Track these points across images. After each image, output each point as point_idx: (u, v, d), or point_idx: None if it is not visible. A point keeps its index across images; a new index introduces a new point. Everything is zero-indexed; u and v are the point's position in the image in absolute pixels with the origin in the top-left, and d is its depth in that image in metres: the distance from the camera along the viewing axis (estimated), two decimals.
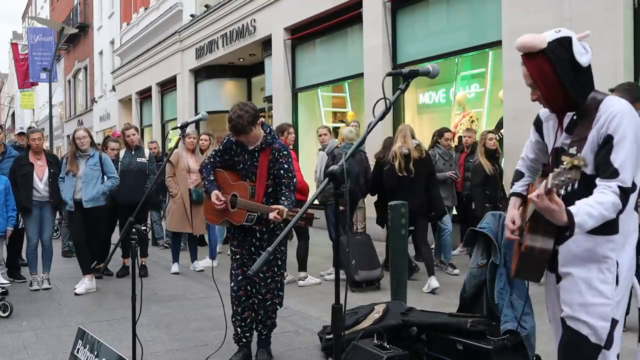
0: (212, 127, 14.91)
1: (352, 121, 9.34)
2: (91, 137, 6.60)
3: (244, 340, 4.10)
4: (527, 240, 2.24)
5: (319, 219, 4.06)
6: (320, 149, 7.28)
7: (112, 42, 26.76)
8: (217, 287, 4.04)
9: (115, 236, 7.95)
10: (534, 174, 2.64)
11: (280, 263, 4.11)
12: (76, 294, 6.26)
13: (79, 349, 3.38)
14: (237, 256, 4.07)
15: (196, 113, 15.89)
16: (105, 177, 6.57)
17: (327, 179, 2.14)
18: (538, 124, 2.54)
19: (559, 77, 2.19)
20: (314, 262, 7.18)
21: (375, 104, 2.28)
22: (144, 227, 3.52)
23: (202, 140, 8.07)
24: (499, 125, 8.35)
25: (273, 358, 4.12)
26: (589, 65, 2.27)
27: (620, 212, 2.14)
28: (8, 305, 5.40)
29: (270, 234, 3.99)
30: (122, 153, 7.49)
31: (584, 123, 2.21)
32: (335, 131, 10.12)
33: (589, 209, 2.06)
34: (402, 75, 2.24)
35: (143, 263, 7.38)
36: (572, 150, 2.19)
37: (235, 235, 4.08)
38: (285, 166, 3.93)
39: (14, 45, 29.98)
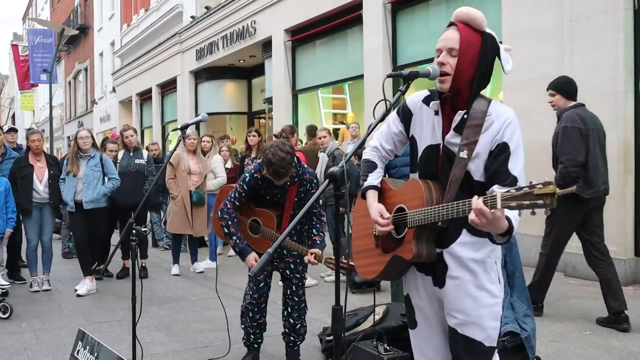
0: (213, 129, 14.93)
1: (352, 122, 9.34)
2: (93, 138, 6.60)
3: (256, 345, 4.05)
4: (413, 247, 2.16)
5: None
6: (320, 151, 7.28)
7: (113, 44, 26.78)
8: (218, 294, 4.03)
9: (115, 237, 7.97)
10: (384, 165, 2.52)
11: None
12: (78, 295, 6.27)
13: (79, 350, 3.37)
14: None
15: (196, 114, 15.90)
16: (106, 179, 6.57)
17: (327, 180, 2.14)
18: (406, 115, 2.37)
19: (479, 60, 2.14)
20: None
21: (375, 106, 2.28)
22: (145, 229, 3.49)
23: (204, 142, 8.07)
24: None
25: None
26: (490, 75, 2.21)
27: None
28: (8, 306, 5.40)
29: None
30: (120, 154, 7.50)
31: (472, 126, 2.14)
32: (336, 133, 10.14)
33: (514, 214, 1.97)
34: (402, 77, 2.23)
35: (143, 265, 7.38)
36: (463, 154, 2.12)
37: None
38: (305, 196, 3.84)
39: (14, 47, 29.99)
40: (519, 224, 2.03)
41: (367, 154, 2.51)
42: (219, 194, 4.56)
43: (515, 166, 2.08)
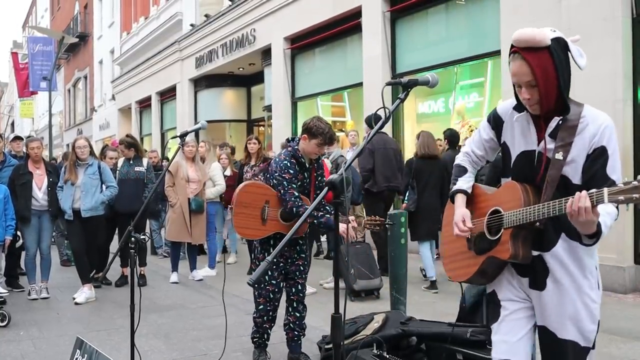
0: (212, 136, 14.93)
1: (351, 130, 9.35)
2: (91, 147, 6.60)
3: (267, 342, 4.25)
4: (510, 247, 2.21)
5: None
6: (324, 157, 7.26)
7: (112, 52, 26.85)
8: (224, 301, 4.03)
9: (114, 245, 7.95)
10: (475, 171, 2.56)
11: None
12: (77, 304, 6.24)
13: (77, 358, 3.36)
14: (281, 263, 4.11)
15: (196, 122, 15.90)
16: (104, 187, 6.57)
17: (326, 187, 2.14)
18: (497, 122, 2.40)
19: (557, 76, 2.13)
20: (313, 270, 7.15)
21: (374, 113, 2.29)
22: (144, 236, 3.48)
23: (199, 147, 8.05)
24: None
25: None
26: (570, 72, 2.21)
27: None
28: (6, 314, 5.38)
29: (311, 235, 4.13)
30: (120, 162, 7.50)
31: (566, 128, 2.17)
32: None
33: (605, 220, 2.05)
34: (402, 85, 2.24)
35: (142, 272, 7.36)
36: (558, 156, 2.15)
37: (272, 242, 4.11)
38: (322, 178, 4.25)
39: (14, 54, 30.03)
40: (608, 231, 2.08)
41: (458, 159, 2.57)
42: (239, 195, 4.06)
43: (614, 170, 2.13)
